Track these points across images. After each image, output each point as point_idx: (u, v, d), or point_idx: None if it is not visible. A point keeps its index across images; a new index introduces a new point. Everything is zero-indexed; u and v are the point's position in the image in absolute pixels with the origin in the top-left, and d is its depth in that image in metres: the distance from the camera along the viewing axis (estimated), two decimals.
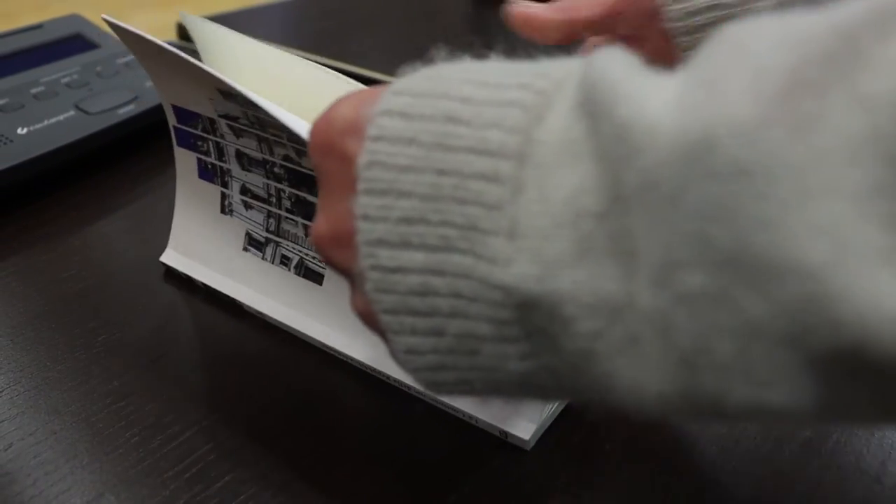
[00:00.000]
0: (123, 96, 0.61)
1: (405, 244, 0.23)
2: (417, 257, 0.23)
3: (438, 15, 1.05)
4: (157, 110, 0.63)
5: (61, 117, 0.58)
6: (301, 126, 0.34)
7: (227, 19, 0.93)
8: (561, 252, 0.20)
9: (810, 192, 0.16)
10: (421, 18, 1.03)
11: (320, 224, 0.27)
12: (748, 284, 0.17)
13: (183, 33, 0.89)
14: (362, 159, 0.24)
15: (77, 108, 0.59)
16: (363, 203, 0.24)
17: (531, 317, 0.21)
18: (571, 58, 0.24)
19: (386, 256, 0.23)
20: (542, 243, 0.20)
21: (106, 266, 0.50)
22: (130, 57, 0.66)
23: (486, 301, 0.22)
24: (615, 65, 0.21)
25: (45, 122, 0.57)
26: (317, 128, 0.27)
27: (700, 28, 0.41)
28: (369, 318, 0.26)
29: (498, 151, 0.22)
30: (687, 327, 0.18)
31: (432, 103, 0.23)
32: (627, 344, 0.20)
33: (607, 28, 0.43)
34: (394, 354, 0.25)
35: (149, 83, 0.63)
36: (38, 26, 0.66)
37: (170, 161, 0.46)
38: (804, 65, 0.17)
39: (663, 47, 0.42)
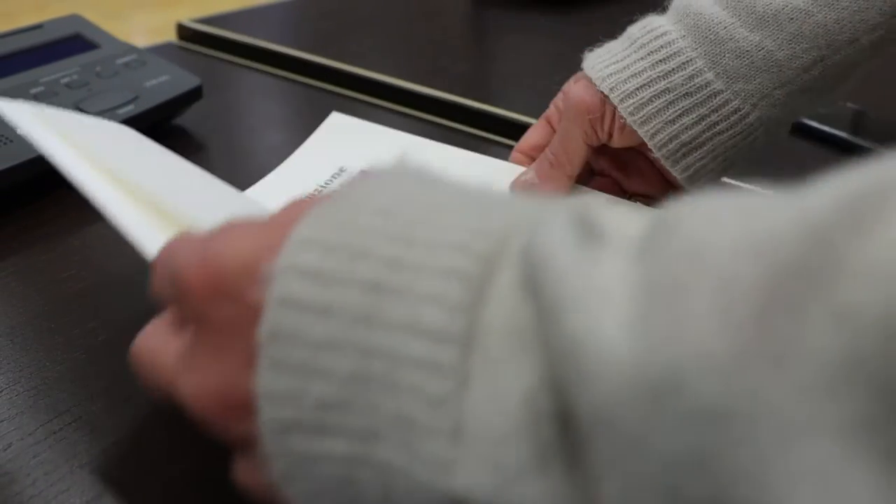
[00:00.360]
0: (123, 96, 0.61)
1: (321, 431, 0.20)
2: (338, 447, 0.20)
3: (437, 15, 1.05)
4: (157, 110, 0.63)
5: None
6: (151, 236, 0.29)
7: (226, 19, 0.93)
8: (520, 460, 0.18)
9: (792, 434, 0.14)
10: (420, 19, 1.03)
11: (201, 385, 0.23)
12: None
13: (182, 34, 0.89)
14: (265, 327, 0.20)
15: (77, 108, 0.59)
16: (267, 380, 0.20)
17: None
18: (514, 198, 0.21)
19: (297, 442, 0.20)
20: (497, 449, 0.18)
21: (106, 266, 0.50)
22: (130, 57, 0.66)
23: (425, 498, 0.19)
24: (558, 236, 0.18)
25: None
26: (199, 264, 0.23)
27: (656, 114, 0.43)
28: (267, 495, 0.22)
29: (438, 335, 0.19)
30: None
31: (350, 266, 0.20)
32: None
33: (599, 151, 0.47)
34: None
35: (148, 83, 0.64)
36: (38, 26, 0.66)
37: None
38: (776, 278, 0.15)
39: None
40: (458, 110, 0.70)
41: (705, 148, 0.43)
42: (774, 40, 0.40)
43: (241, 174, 0.65)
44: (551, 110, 0.52)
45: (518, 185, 0.48)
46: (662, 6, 0.46)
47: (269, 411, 0.20)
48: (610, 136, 0.45)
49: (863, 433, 0.14)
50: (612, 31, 0.47)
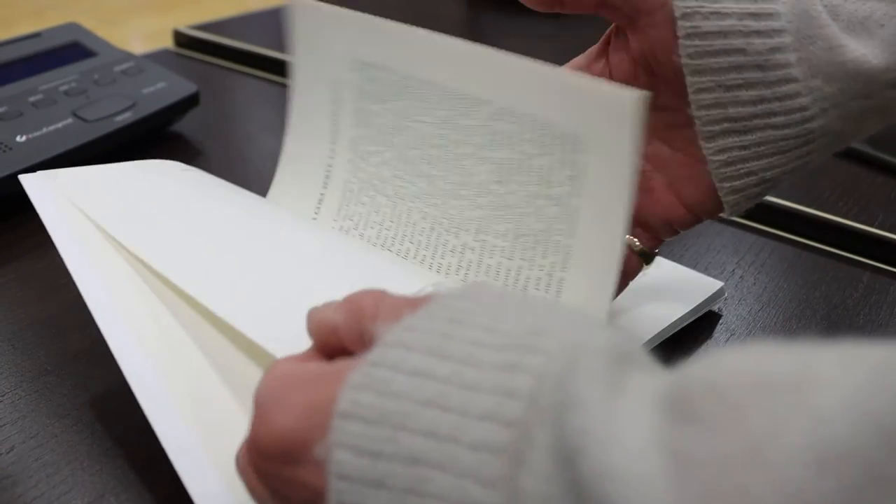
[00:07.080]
0: (121, 104, 0.62)
1: None
2: None
3: (433, 20, 1.05)
4: (155, 117, 0.63)
5: (59, 125, 0.59)
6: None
7: (222, 26, 0.93)
8: None
9: None
10: (415, 24, 1.03)
11: None
12: None
13: (179, 41, 0.90)
14: (331, 499, 0.23)
15: (75, 115, 0.60)
16: None
17: None
18: (536, 343, 0.22)
19: None
20: None
21: None
22: (127, 64, 0.67)
23: None
24: (589, 392, 0.19)
25: (44, 130, 0.58)
26: (260, 439, 0.26)
27: (716, 70, 0.37)
28: None
29: None
30: None
31: (393, 437, 0.22)
32: None
33: None
34: None
35: (146, 90, 0.64)
36: (36, 35, 0.66)
37: None
38: (850, 493, 0.15)
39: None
40: None
41: (750, 137, 0.37)
42: (867, 46, 0.36)
43: (238, 180, 0.66)
44: None
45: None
46: None
47: None
48: (649, 44, 0.38)
49: None
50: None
